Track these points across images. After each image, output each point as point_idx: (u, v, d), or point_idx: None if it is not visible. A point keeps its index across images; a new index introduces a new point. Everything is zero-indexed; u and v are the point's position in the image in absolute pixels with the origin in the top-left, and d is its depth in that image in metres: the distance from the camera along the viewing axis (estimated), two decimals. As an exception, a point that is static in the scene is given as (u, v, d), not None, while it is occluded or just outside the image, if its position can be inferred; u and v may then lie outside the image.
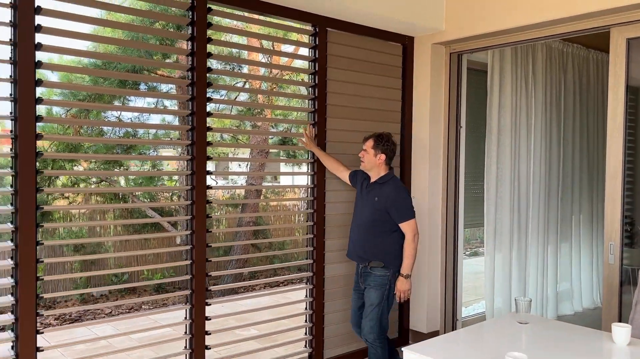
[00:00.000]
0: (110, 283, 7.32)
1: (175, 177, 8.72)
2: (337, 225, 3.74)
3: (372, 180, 3.29)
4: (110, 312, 6.51)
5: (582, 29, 3.43)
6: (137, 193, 7.62)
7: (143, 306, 6.87)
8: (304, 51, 3.75)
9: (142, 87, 7.18)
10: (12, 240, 2.52)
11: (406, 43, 4.15)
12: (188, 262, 3.06)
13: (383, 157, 3.22)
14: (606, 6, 3.12)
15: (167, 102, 7.47)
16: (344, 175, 3.50)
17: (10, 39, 2.45)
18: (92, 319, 6.30)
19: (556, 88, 4.82)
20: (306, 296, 3.69)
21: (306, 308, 3.70)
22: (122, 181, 7.96)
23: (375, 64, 3.97)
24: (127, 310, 6.72)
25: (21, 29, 2.44)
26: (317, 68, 3.58)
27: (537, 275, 4.71)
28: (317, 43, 3.58)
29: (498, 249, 4.49)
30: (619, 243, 3.31)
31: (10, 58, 2.45)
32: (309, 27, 3.59)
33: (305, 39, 3.78)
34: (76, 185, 7.18)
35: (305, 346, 3.70)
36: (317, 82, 3.59)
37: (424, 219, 4.12)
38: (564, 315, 4.95)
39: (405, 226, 3.17)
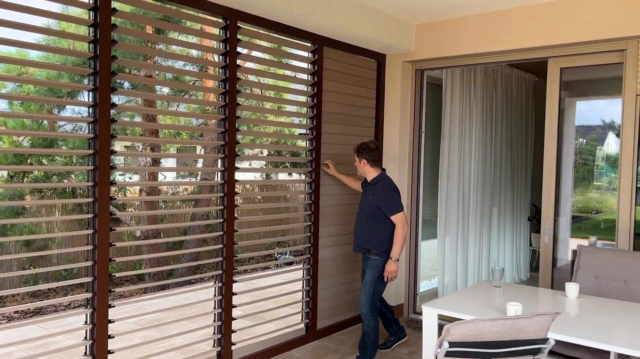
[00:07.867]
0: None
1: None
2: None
3: (368, 181, 3.98)
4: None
5: (525, 58, 4.36)
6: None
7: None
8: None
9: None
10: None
11: (380, 60, 4.87)
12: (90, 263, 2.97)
13: (365, 161, 3.90)
14: (546, 43, 4.04)
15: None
16: (358, 184, 4.22)
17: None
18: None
19: (489, 101, 5.78)
20: (303, 275, 4.33)
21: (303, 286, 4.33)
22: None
23: (356, 77, 4.66)
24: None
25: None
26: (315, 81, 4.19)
27: (475, 256, 5.65)
28: (315, 58, 4.19)
29: (448, 234, 5.37)
30: (552, 226, 4.26)
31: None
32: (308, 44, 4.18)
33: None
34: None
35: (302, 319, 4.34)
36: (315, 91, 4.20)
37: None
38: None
39: (394, 219, 3.81)
